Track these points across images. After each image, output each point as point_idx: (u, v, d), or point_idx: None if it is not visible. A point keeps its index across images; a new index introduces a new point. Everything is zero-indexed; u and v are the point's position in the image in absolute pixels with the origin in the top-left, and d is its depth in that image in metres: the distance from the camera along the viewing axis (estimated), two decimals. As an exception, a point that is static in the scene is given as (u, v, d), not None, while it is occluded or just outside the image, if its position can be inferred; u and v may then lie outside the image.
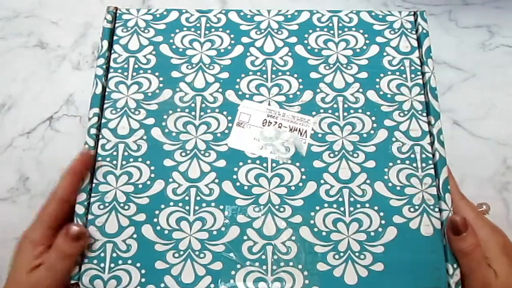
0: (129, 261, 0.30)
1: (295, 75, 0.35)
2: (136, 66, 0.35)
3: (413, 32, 0.36)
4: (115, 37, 0.36)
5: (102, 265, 0.30)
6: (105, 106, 0.33)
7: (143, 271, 0.30)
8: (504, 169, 0.41)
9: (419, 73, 0.34)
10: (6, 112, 0.43)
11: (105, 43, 0.35)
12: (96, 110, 0.33)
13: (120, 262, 0.30)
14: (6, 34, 0.46)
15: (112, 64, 0.35)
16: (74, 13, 0.47)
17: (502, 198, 0.40)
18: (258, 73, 0.35)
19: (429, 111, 0.33)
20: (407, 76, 0.34)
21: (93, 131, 0.33)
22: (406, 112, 0.33)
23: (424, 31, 0.35)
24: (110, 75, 0.34)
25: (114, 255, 0.30)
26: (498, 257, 0.29)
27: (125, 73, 0.35)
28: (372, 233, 0.30)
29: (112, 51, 0.35)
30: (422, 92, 0.34)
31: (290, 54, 0.35)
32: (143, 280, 0.29)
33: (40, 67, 0.45)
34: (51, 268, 0.28)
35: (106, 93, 0.34)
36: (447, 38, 0.46)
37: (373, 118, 0.33)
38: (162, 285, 0.29)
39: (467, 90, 0.44)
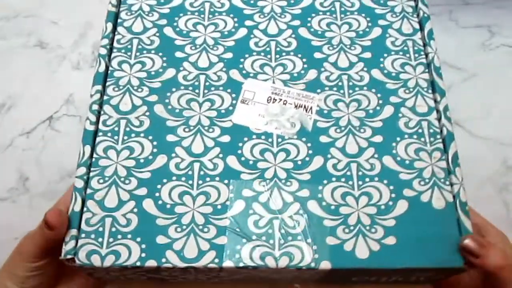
0: (129, 236, 0.28)
1: (299, 55, 0.35)
2: (139, 46, 0.35)
3: (415, 15, 0.36)
4: (119, 20, 0.36)
5: (100, 239, 0.28)
6: (107, 84, 0.33)
7: (143, 246, 0.28)
8: (504, 169, 0.41)
9: (422, 53, 0.35)
10: (6, 112, 0.43)
11: (109, 25, 0.35)
12: (99, 87, 0.33)
13: (119, 236, 0.28)
14: (6, 34, 0.46)
15: (115, 44, 0.35)
16: (74, 13, 0.48)
17: (502, 198, 0.40)
18: (262, 54, 0.35)
19: (434, 88, 0.33)
20: (411, 55, 0.34)
21: (95, 107, 0.32)
22: (411, 89, 0.33)
23: (425, 15, 0.36)
24: (113, 55, 0.34)
25: (113, 229, 0.28)
26: None
27: (129, 53, 0.34)
28: (383, 207, 0.29)
29: (116, 33, 0.35)
30: (427, 70, 0.34)
31: (293, 36, 0.35)
32: (143, 255, 0.28)
33: (40, 67, 0.45)
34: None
35: (109, 71, 0.33)
36: (447, 38, 0.47)
37: (379, 95, 0.33)
38: (164, 260, 0.28)
39: (467, 90, 0.44)
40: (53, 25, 0.47)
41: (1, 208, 0.38)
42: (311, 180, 0.30)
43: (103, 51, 0.34)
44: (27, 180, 0.40)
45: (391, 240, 0.28)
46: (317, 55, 0.35)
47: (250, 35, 0.35)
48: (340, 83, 0.33)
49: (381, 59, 0.34)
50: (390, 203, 0.29)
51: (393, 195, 0.30)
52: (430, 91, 0.33)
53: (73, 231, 0.28)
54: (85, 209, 0.29)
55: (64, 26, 0.47)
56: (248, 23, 0.36)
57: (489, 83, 0.43)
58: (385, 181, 0.30)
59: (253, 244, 0.28)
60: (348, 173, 0.30)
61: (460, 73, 0.45)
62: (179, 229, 0.28)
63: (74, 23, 0.47)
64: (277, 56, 0.35)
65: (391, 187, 0.30)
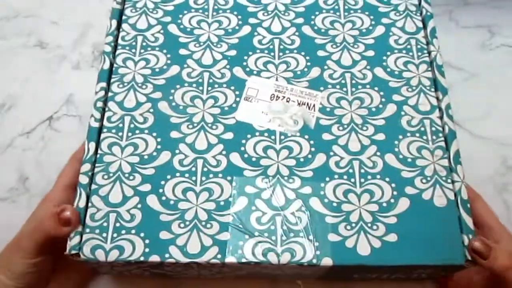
0: (133, 231, 0.29)
1: (302, 53, 0.35)
2: (144, 43, 0.35)
3: (418, 14, 0.36)
4: (123, 17, 0.36)
5: (104, 235, 0.28)
6: (112, 80, 0.33)
7: (147, 241, 0.28)
8: (504, 169, 0.40)
9: (425, 51, 0.35)
10: (6, 112, 0.43)
11: (114, 22, 0.35)
12: (103, 84, 0.33)
13: (123, 232, 0.29)
14: (6, 34, 0.46)
15: (120, 41, 0.35)
16: (74, 13, 0.48)
17: (502, 198, 0.39)
18: (266, 51, 0.35)
19: (437, 87, 0.33)
20: (414, 54, 0.35)
21: (99, 104, 0.32)
22: (414, 88, 0.33)
23: (429, 13, 0.36)
24: (117, 52, 0.34)
25: (117, 224, 0.29)
26: None
27: (133, 50, 0.35)
28: (384, 204, 0.30)
29: (121, 30, 0.35)
30: (429, 69, 0.34)
31: (297, 33, 0.35)
32: (146, 250, 0.28)
33: (40, 67, 0.45)
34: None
35: (113, 68, 0.34)
36: (447, 38, 0.46)
37: (381, 93, 0.33)
38: (167, 255, 0.28)
39: (468, 90, 0.44)
40: (53, 25, 0.46)
41: (1, 208, 0.38)
42: (313, 178, 0.30)
43: (108, 48, 0.34)
44: (27, 180, 0.39)
45: (392, 237, 0.29)
46: (321, 53, 0.35)
47: (253, 32, 0.36)
48: (343, 81, 0.34)
49: (384, 58, 0.34)
50: (392, 200, 0.30)
51: (394, 193, 0.30)
52: (432, 89, 0.33)
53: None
54: (89, 204, 0.29)
55: (64, 26, 0.47)
56: (252, 20, 0.36)
57: (489, 83, 0.43)
58: (387, 179, 0.30)
59: (256, 240, 0.28)
60: (351, 170, 0.31)
61: (460, 73, 0.45)
62: (182, 225, 0.29)
63: (74, 23, 0.47)
64: (281, 54, 0.35)
65: (393, 185, 0.30)
